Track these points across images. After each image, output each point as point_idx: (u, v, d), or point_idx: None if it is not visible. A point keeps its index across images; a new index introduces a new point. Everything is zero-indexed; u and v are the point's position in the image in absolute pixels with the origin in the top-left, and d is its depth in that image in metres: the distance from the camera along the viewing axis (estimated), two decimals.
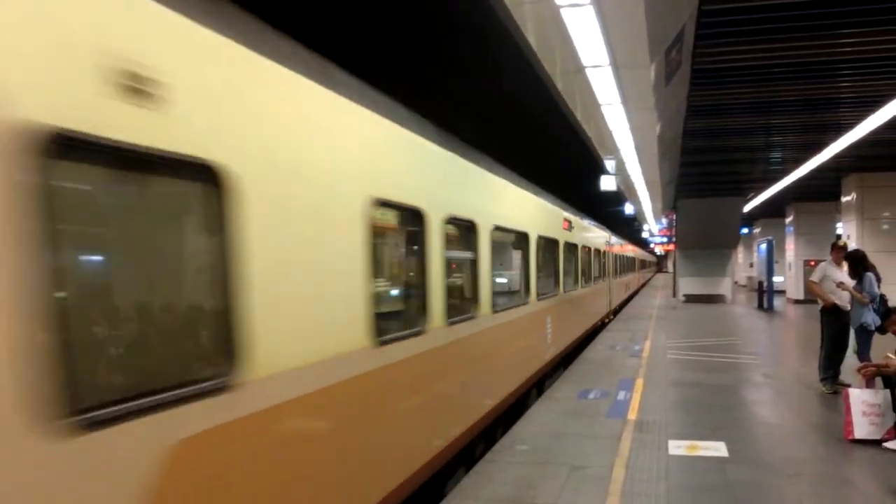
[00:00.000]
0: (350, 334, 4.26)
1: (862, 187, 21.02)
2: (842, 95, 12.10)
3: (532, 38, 7.06)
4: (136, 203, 3.02)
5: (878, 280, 9.37)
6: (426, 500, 5.97)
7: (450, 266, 6.26)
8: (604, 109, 10.04)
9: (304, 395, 3.70)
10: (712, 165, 19.86)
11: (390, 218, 5.24)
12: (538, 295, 10.10)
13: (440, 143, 6.05)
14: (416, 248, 5.60)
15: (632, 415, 8.44)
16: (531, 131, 19.33)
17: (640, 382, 10.53)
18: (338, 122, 4.19)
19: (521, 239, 9.34)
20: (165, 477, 2.68)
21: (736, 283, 35.69)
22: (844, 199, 22.25)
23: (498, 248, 8.08)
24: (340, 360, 4.10)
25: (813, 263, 24.88)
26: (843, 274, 9.75)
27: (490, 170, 7.62)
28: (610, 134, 12.43)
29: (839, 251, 10.00)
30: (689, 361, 12.80)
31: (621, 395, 9.58)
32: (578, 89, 9.43)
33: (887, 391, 7.20)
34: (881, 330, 9.13)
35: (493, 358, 7.69)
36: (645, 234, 54.79)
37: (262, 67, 3.42)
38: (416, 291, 5.62)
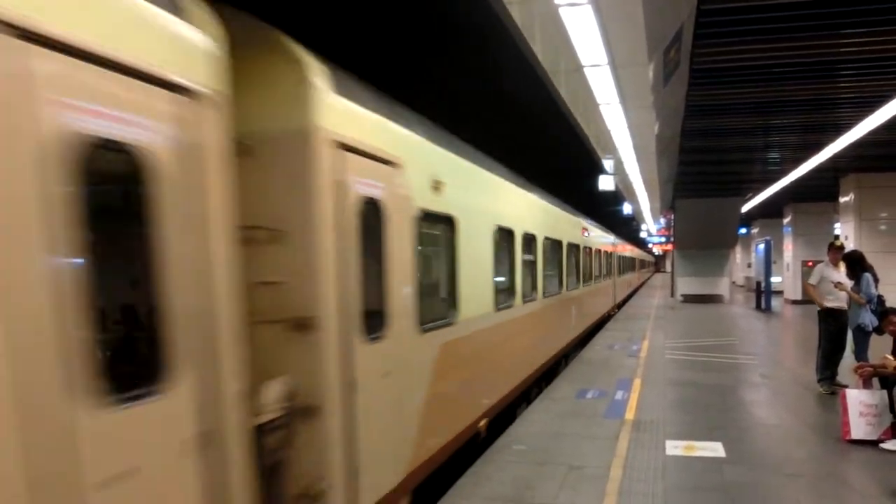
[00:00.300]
0: (487, 303, 7.66)
1: (860, 188, 21.01)
2: (840, 96, 12.08)
3: (531, 37, 7.05)
4: (438, 234, 6.48)
5: (876, 281, 9.37)
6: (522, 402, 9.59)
7: (523, 265, 9.51)
8: (602, 109, 10.03)
9: (475, 332, 7.17)
10: (710, 165, 19.84)
11: (502, 235, 8.36)
12: (567, 288, 13.39)
13: (521, 186, 9.60)
14: (509, 253, 8.89)
15: (629, 415, 8.44)
16: (529, 129, 19.35)
17: (637, 382, 10.53)
18: (487, 186, 7.84)
19: (557, 245, 12.39)
20: (440, 354, 6.01)
21: (734, 283, 35.71)
22: (842, 199, 22.24)
23: (545, 253, 11.08)
24: (485, 316, 7.55)
25: (811, 264, 24.92)
26: (840, 275, 9.75)
27: (541, 197, 11.05)
28: (608, 133, 12.44)
29: (836, 252, 10.00)
30: (686, 361, 12.80)
31: (619, 395, 9.58)
32: (577, 88, 9.43)
33: (884, 392, 7.20)
34: (878, 331, 9.13)
35: (542, 327, 11.20)
36: (643, 234, 54.80)
37: (467, 168, 7.06)
38: (507, 281, 8.83)
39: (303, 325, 3.93)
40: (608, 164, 15.88)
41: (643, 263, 56.85)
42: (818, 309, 9.87)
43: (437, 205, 5.96)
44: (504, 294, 8.49)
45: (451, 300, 6.51)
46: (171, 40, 2.81)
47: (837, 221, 24.79)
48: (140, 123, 2.63)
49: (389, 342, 4.87)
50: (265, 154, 3.87)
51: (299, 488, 3.92)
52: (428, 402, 5.65)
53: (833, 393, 9.42)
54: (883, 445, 6.92)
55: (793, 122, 14.25)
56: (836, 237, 23.92)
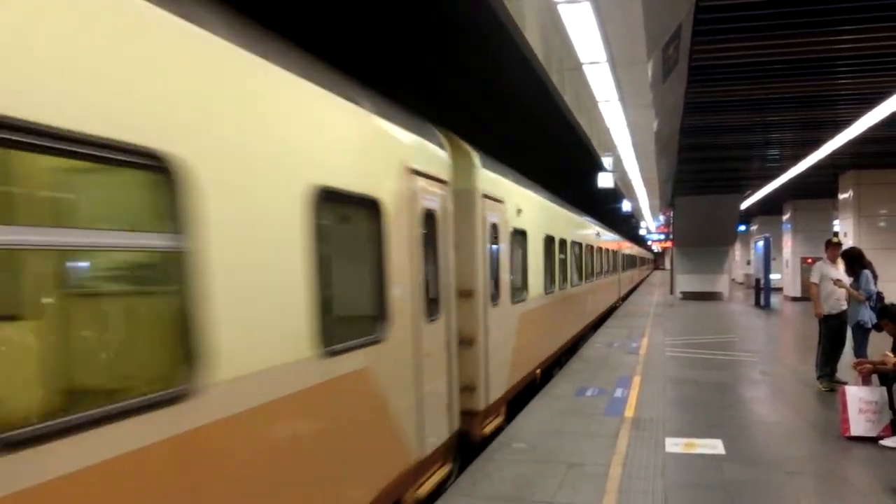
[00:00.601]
0: (542, 287, 10.80)
1: (859, 184, 21.04)
2: (839, 92, 12.10)
3: (529, 35, 7.05)
4: (519, 243, 9.46)
5: (875, 277, 9.37)
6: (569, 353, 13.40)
7: (561, 262, 12.63)
8: (601, 106, 10.02)
9: (535, 307, 10.21)
10: (709, 162, 19.87)
11: (547, 241, 11.31)
12: (585, 280, 16.33)
13: (559, 204, 12.89)
14: (553, 253, 11.77)
15: (629, 412, 8.44)
16: (528, 127, 19.34)
17: (637, 380, 10.53)
18: (540, 207, 10.93)
19: (579, 246, 15.36)
20: (519, 319, 9.02)
21: (733, 280, 35.72)
22: (841, 196, 22.26)
23: (571, 253, 14.02)
24: (541, 296, 10.69)
25: (810, 261, 24.94)
26: (839, 272, 9.75)
27: (571, 211, 14.39)
28: (607, 131, 12.43)
29: (834, 249, 9.99)
30: (686, 359, 12.81)
31: (619, 393, 9.58)
32: (576, 86, 9.42)
33: (884, 389, 7.20)
34: (878, 327, 9.12)
35: (576, 306, 14.85)
36: (642, 232, 54.79)
37: (531, 196, 10.17)
38: (552, 273, 11.72)
39: (468, 293, 7.02)
40: (607, 161, 15.88)
41: (643, 261, 57.51)
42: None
43: (519, 224, 9.14)
44: (550, 281, 11.61)
45: (524, 285, 9.66)
46: (442, 160, 6.24)
47: (837, 218, 24.81)
48: (435, 200, 5.93)
49: (500, 308, 8.06)
50: (456, 202, 6.72)
51: (464, 383, 6.87)
52: (514, 349, 8.71)
53: (832, 390, 9.43)
54: (883, 442, 6.92)
55: (791, 118, 14.27)
56: (835, 234, 23.94)
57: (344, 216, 4.70)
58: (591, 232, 18.38)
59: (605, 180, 16.69)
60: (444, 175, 6.18)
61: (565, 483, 5.91)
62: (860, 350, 9.26)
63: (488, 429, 7.44)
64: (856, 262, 9.52)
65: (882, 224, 20.95)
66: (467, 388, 6.95)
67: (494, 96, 16.52)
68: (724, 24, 8.61)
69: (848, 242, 18.61)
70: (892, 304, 7.91)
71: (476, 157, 7.30)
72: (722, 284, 30.22)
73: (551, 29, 6.99)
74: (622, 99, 9.46)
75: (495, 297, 7.79)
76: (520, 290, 9.37)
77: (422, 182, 5.55)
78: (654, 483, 5.89)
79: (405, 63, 12.35)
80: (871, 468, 6.28)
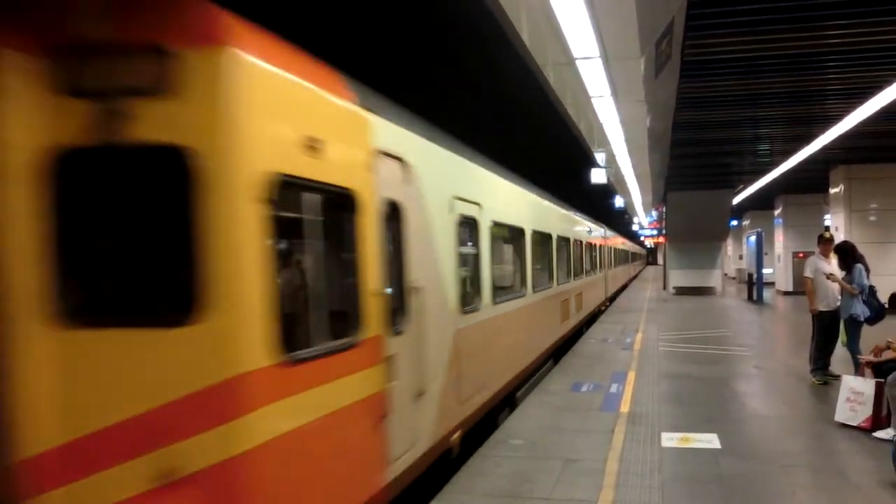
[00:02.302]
0: (568, 275, 14.29)
1: (849, 179, 21.12)
2: (829, 87, 12.13)
3: (523, 30, 7.04)
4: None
5: (867, 271, 9.41)
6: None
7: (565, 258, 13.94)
8: (594, 102, 10.04)
9: (561, 291, 13.40)
10: (702, 158, 19.90)
11: (562, 242, 13.27)
12: (589, 273, 18.20)
13: (576, 213, 16.01)
14: (579, 252, 15.54)
15: (624, 407, 8.46)
16: (522, 124, 19.35)
17: (632, 375, 10.55)
18: (565, 218, 14.39)
19: (592, 246, 18.58)
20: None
21: (726, 275, 35.85)
22: (832, 190, 22.35)
23: (578, 251, 16.01)
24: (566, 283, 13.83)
25: (802, 255, 25.06)
26: (832, 266, 9.80)
27: (584, 218, 17.22)
28: (600, 126, 12.45)
29: (826, 243, 10.03)
30: (680, 354, 12.85)
31: (614, 388, 9.60)
32: (569, 81, 9.43)
33: (874, 382, 7.24)
34: (870, 321, 9.19)
35: (588, 291, 17.65)
36: (635, 227, 54.91)
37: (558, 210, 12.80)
38: (573, 266, 14.55)
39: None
40: (600, 157, 15.91)
41: (636, 256, 58.00)
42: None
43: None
44: (576, 271, 15.08)
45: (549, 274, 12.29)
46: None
47: (828, 213, 24.91)
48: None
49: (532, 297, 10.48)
50: None
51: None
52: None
53: (826, 383, 9.48)
54: (876, 434, 6.96)
55: (782, 113, 14.30)
56: (826, 228, 24.02)
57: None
58: (603, 236, 20.32)
59: (598, 176, 16.72)
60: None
61: (562, 479, 5.92)
62: (853, 343, 9.31)
63: None
64: (848, 256, 9.56)
65: (873, 218, 21.05)
66: None
67: (489, 93, 16.52)
68: (717, 20, 8.62)
69: (839, 237, 18.69)
70: None
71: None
72: (715, 279, 30.32)
73: (544, 24, 6.99)
74: (615, 94, 9.48)
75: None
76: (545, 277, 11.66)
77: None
78: (650, 478, 5.90)
79: (399, 59, 12.33)
80: (865, 461, 6.31)
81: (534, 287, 10.49)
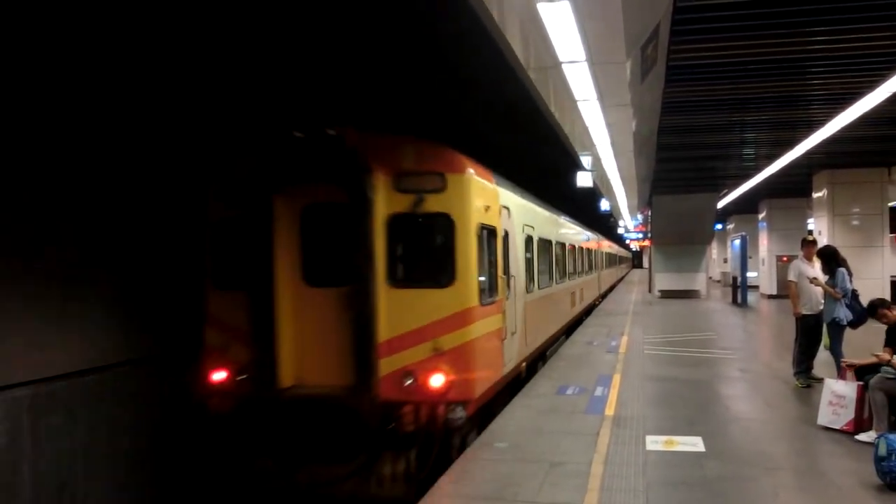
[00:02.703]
0: (583, 270, 20.54)
1: (832, 183, 21.33)
2: (813, 93, 12.26)
3: (509, 33, 7.05)
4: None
5: (850, 275, 9.49)
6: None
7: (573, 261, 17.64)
8: (580, 105, 10.07)
9: (578, 282, 19.08)
10: (687, 161, 20.04)
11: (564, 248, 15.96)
12: (588, 273, 21.69)
13: (580, 225, 20.93)
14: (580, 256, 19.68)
15: (609, 410, 8.48)
16: (509, 127, 19.40)
17: (617, 378, 10.58)
18: (574, 230, 18.67)
19: (588, 250, 21.90)
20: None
21: (710, 278, 36.06)
22: (816, 195, 22.56)
23: (582, 256, 19.71)
24: (566, 282, 16.61)
25: (786, 259, 25.25)
26: (815, 270, 9.87)
27: (585, 228, 21.74)
28: (586, 130, 12.49)
29: (810, 247, 10.12)
30: (665, 357, 12.90)
31: (599, 391, 9.62)
32: (554, 85, 9.45)
33: (856, 385, 7.30)
34: (853, 325, 9.27)
35: (587, 288, 21.22)
36: (621, 230, 55.12)
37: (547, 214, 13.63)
38: (578, 267, 18.77)
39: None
40: (586, 160, 15.95)
41: (622, 259, 59.16)
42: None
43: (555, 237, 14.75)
44: (580, 271, 19.10)
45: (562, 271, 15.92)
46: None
47: (811, 217, 25.12)
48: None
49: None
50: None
51: None
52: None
53: (809, 386, 9.55)
54: (858, 437, 7.01)
55: (766, 118, 14.44)
56: (810, 232, 24.22)
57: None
58: (599, 243, 25.07)
59: (583, 179, 16.76)
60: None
61: (547, 482, 5.92)
62: (835, 347, 9.38)
63: None
64: (831, 260, 9.64)
65: (855, 222, 21.26)
66: None
67: (476, 97, 16.53)
68: (702, 25, 8.69)
69: (823, 241, 18.86)
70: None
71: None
72: (700, 282, 30.50)
73: (531, 27, 7.01)
74: (601, 98, 9.50)
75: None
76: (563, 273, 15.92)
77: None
78: (635, 481, 5.91)
79: (387, 68, 12.32)
80: (847, 464, 6.36)
81: (557, 281, 14.45)
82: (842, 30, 8.90)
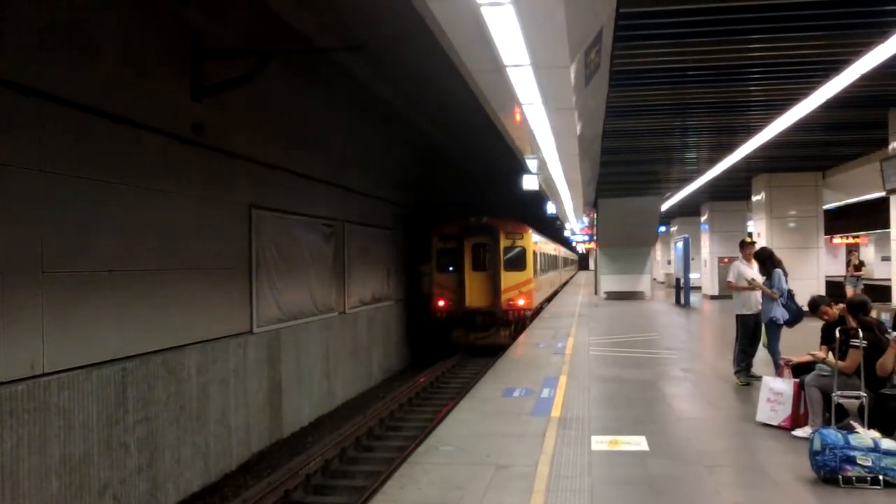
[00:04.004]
0: (556, 276, 39.41)
1: (770, 187, 21.93)
2: (751, 98, 12.55)
3: (453, 35, 7.02)
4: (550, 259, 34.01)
5: (786, 275, 9.77)
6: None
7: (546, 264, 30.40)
8: (525, 109, 10.10)
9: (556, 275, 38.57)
10: (631, 165, 20.34)
11: (550, 256, 32.11)
12: (554, 269, 34.97)
13: (552, 240, 35.83)
14: (555, 260, 36.39)
15: (556, 412, 8.53)
16: (452, 132, 19.48)
17: (563, 379, 10.66)
18: (548, 244, 32.36)
19: (554, 256, 36.54)
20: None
21: (655, 279, 36.76)
22: (755, 198, 23.17)
23: (552, 259, 34.02)
24: (548, 273, 32.11)
25: (727, 261, 25.83)
26: (753, 271, 10.13)
27: (551, 241, 34.72)
28: (532, 133, 12.54)
29: (749, 248, 10.39)
30: (610, 358, 13.07)
31: (545, 393, 9.67)
32: (497, 89, 9.46)
33: (793, 382, 7.49)
34: (789, 323, 9.55)
35: (553, 281, 35.44)
36: (567, 233, 55.76)
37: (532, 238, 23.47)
38: (550, 265, 32.66)
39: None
40: (532, 163, 16.05)
41: (571, 261, 62.99)
42: (736, 312, 10.22)
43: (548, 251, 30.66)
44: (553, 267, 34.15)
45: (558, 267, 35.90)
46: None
47: (751, 219, 25.77)
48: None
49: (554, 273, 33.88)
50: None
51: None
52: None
53: (748, 384, 9.78)
54: (794, 433, 7.20)
55: (707, 123, 14.74)
56: (749, 234, 24.87)
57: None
58: (550, 247, 34.29)
59: (529, 182, 16.87)
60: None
61: (493, 485, 5.91)
62: (773, 345, 9.65)
63: None
64: (767, 261, 9.92)
65: (792, 225, 21.91)
66: None
67: (421, 103, 16.49)
68: (644, 31, 8.80)
69: (761, 242, 19.38)
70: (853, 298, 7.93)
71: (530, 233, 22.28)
72: (644, 284, 31.04)
73: (475, 31, 6.99)
74: (546, 102, 9.55)
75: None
76: (556, 269, 33.84)
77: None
78: (580, 481, 5.95)
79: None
80: (785, 459, 6.52)
81: (543, 272, 26.88)
82: (779, 38, 9.12)
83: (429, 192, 23.66)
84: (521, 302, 20.65)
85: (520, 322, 20.71)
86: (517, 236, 21.29)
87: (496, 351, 17.68)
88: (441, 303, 20.70)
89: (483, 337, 20.42)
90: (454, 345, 20.49)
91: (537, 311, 23.93)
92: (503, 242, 20.95)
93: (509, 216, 22.94)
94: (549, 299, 30.86)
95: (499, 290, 20.42)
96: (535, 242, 22.98)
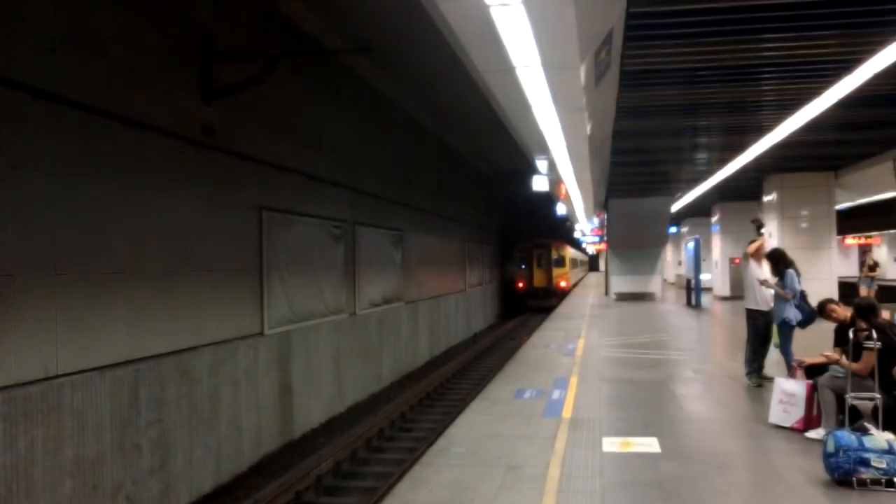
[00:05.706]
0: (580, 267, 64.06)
1: (782, 187, 21.82)
2: (763, 98, 12.49)
3: (463, 37, 7.02)
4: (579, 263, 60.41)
5: (798, 276, 9.70)
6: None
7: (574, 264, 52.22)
8: (535, 110, 10.08)
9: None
10: (641, 165, 20.28)
11: (569, 262, 45.40)
12: (577, 267, 57.58)
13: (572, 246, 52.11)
14: (573, 262, 51.54)
15: (566, 413, 8.51)
16: (464, 134, 19.47)
17: (574, 381, 10.64)
18: (570, 250, 47.34)
19: (578, 260, 61.31)
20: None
21: (665, 280, 36.66)
22: (766, 198, 23.06)
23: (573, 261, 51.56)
24: (575, 270, 57.67)
25: (738, 261, 25.70)
26: (764, 272, 10.07)
27: (572, 247, 50.63)
28: (542, 134, 12.52)
29: (756, 243, 10.32)
30: (621, 359, 13.02)
31: (556, 394, 9.65)
32: (507, 89, 9.44)
33: (805, 383, 7.44)
34: (802, 324, 9.47)
35: (577, 274, 59.57)
36: (577, 234, 55.69)
37: (568, 249, 43.83)
38: (571, 266, 48.53)
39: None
40: (542, 164, 16.03)
41: (582, 262, 69.31)
42: (746, 307, 10.17)
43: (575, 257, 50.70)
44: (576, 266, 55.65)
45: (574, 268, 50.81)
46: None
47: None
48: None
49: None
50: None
51: None
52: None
53: (760, 385, 9.73)
54: (807, 434, 7.15)
55: (718, 123, 14.68)
56: (756, 221, 24.67)
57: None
58: (575, 254, 50.30)
59: (539, 184, 16.84)
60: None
61: (504, 486, 5.90)
62: (785, 346, 9.58)
63: None
64: (780, 261, 9.85)
65: (804, 225, 21.79)
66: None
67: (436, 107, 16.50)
68: (655, 31, 8.78)
69: (773, 243, 19.27)
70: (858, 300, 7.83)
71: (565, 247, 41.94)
72: (655, 285, 30.93)
73: (486, 32, 6.98)
74: (556, 102, 9.53)
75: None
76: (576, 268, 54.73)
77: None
78: (592, 483, 5.93)
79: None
80: (797, 461, 6.47)
81: (573, 268, 48.80)
82: (791, 37, 9.08)
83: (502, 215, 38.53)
84: (562, 283, 39.15)
85: (564, 294, 38.23)
86: (560, 249, 39.59)
87: (550, 310, 28.43)
88: (520, 284, 38.01)
89: (543, 302, 36.17)
90: (526, 308, 36.83)
91: (572, 287, 44.38)
92: (553, 253, 38.98)
93: (556, 237, 41.25)
94: (576, 284, 51.55)
95: (551, 277, 38.15)
96: (570, 252, 43.06)
